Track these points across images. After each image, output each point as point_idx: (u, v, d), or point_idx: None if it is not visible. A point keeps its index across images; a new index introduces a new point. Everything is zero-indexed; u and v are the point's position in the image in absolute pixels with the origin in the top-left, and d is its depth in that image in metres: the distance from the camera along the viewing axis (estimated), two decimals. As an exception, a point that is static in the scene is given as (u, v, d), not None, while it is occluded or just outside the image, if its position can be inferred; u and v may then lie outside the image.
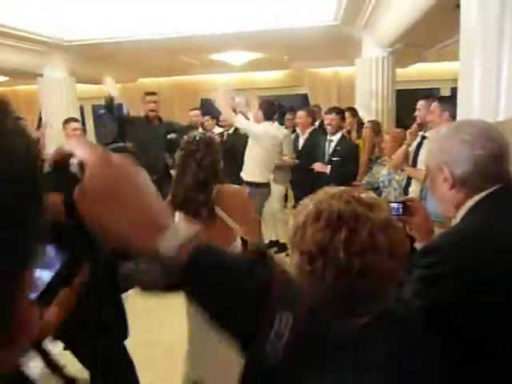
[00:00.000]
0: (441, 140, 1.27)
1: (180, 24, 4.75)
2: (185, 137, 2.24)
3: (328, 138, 4.46)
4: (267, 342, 0.61)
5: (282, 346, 0.59)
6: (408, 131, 3.57)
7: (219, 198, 2.08)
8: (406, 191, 3.67)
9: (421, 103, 3.54)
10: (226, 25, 4.81)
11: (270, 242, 5.47)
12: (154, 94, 5.00)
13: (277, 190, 5.00)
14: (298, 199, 5.27)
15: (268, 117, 4.42)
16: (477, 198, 1.20)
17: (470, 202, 1.21)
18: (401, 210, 1.38)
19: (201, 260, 0.61)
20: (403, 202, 1.39)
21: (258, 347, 0.64)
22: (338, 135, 4.39)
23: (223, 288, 0.67)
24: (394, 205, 1.38)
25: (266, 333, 0.59)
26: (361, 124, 4.92)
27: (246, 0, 4.15)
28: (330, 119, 4.38)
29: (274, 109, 4.61)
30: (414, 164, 3.52)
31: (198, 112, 5.83)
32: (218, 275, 0.66)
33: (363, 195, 0.85)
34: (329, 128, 4.41)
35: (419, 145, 3.48)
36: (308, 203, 0.85)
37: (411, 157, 3.56)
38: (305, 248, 0.80)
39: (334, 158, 4.32)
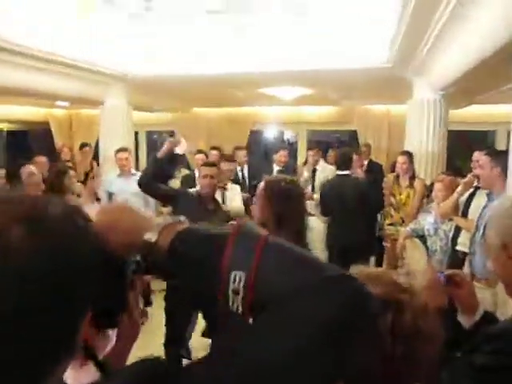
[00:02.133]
0: (504, 215, 1.21)
1: (232, 60, 4.92)
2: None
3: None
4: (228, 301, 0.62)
5: (240, 302, 0.60)
6: (462, 181, 3.48)
7: None
8: (453, 242, 3.55)
9: (476, 155, 3.46)
10: (277, 62, 4.94)
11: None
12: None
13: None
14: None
15: None
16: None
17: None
18: (445, 281, 1.33)
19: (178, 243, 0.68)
20: (448, 275, 1.34)
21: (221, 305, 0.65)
22: None
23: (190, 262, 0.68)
24: (440, 275, 1.34)
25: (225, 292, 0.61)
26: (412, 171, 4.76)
27: (298, 38, 4.25)
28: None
29: None
30: (465, 214, 3.42)
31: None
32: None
33: (399, 278, 0.86)
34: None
35: (471, 195, 3.39)
36: None
37: (461, 206, 3.47)
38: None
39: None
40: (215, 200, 3.66)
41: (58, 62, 4.58)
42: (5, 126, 8.80)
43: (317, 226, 4.76)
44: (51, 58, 4.39)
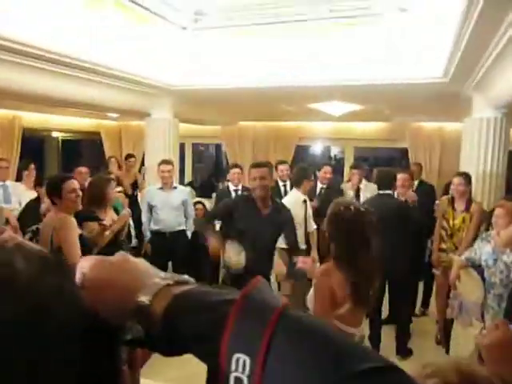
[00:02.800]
0: None
1: (280, 74, 4.81)
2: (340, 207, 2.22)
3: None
4: None
5: None
6: None
7: None
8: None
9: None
10: (327, 76, 4.78)
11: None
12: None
13: None
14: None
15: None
16: None
17: None
18: None
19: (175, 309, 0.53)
20: None
21: None
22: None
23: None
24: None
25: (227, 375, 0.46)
26: (469, 194, 4.41)
27: (351, 51, 4.08)
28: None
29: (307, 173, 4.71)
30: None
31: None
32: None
33: (477, 369, 0.71)
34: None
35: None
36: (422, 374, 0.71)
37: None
38: None
39: None
40: (271, 201, 3.38)
41: (108, 75, 4.64)
42: (60, 135, 9.14)
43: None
44: (101, 69, 4.45)
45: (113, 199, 3.96)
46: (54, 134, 9.02)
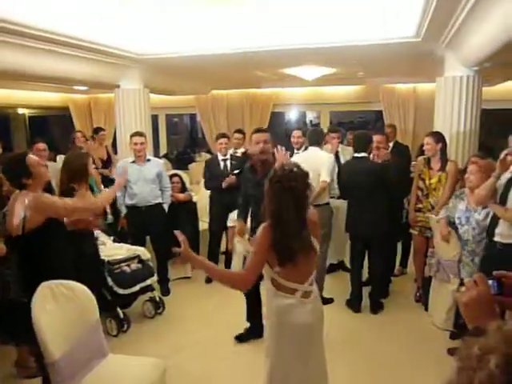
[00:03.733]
0: None
1: (252, 39, 4.68)
2: (277, 167, 2.29)
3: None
4: None
5: None
6: (498, 160, 3.13)
7: (309, 225, 2.22)
8: (490, 233, 3.26)
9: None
10: (300, 40, 4.67)
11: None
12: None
13: None
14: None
15: (313, 143, 4.61)
16: None
17: None
18: (496, 288, 1.13)
19: None
20: (497, 279, 1.14)
21: None
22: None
23: None
24: (489, 282, 1.13)
25: None
26: (444, 153, 4.41)
27: (321, 14, 3.97)
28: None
29: (320, 135, 4.77)
30: (503, 201, 3.14)
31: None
32: None
33: None
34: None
35: (510, 180, 3.09)
36: (485, 350, 0.67)
37: (499, 192, 3.17)
38: None
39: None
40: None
41: (74, 45, 4.42)
42: (27, 112, 8.81)
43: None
44: (67, 40, 4.23)
45: (92, 175, 3.80)
46: (21, 111, 8.68)
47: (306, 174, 2.20)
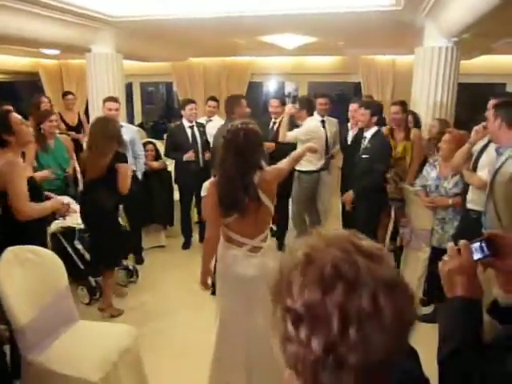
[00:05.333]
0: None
1: (231, 4, 4.52)
2: (229, 125, 2.37)
3: (364, 133, 4.13)
4: None
5: None
6: (474, 128, 3.17)
7: (261, 183, 2.27)
8: (463, 200, 3.31)
9: (491, 103, 3.15)
10: (279, 6, 4.54)
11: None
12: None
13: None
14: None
15: (310, 113, 4.78)
16: None
17: None
18: (486, 250, 1.05)
19: None
20: (487, 240, 1.06)
21: None
22: (372, 130, 4.03)
23: None
24: (476, 245, 1.06)
25: None
26: (413, 122, 4.43)
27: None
28: (359, 115, 4.13)
29: (313, 104, 4.96)
30: (475, 168, 3.17)
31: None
32: None
33: (366, 243, 0.67)
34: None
35: (484, 147, 3.12)
36: (298, 247, 0.67)
37: (473, 159, 3.20)
38: (290, 304, 0.63)
39: (363, 156, 4.00)
40: None
41: (43, 4, 4.18)
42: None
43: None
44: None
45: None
46: (-13, 75, 8.32)
47: (255, 133, 2.28)
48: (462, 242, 1.06)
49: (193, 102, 5.28)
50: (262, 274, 2.36)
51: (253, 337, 2.40)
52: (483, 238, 1.07)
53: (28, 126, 2.91)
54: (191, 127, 5.13)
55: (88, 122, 6.24)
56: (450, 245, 1.08)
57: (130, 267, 4.34)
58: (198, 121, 5.37)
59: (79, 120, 6.30)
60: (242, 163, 2.24)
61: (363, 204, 4.05)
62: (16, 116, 2.80)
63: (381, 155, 3.95)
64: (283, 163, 2.57)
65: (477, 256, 1.05)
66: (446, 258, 1.07)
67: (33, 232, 2.81)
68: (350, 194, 4.11)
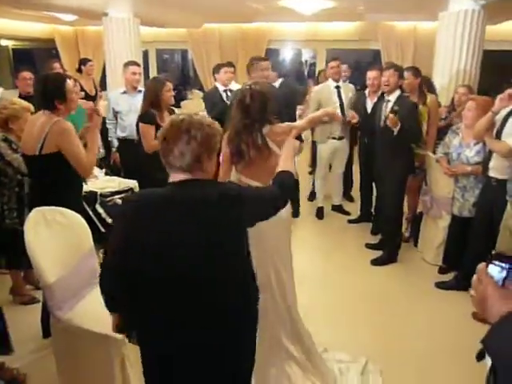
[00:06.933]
0: None
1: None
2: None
3: (385, 97, 4.03)
4: None
5: None
6: (498, 96, 3.06)
7: (270, 136, 2.44)
8: (485, 167, 3.26)
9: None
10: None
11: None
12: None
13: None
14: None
15: None
16: None
17: None
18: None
19: None
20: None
21: None
22: (396, 94, 3.91)
23: None
24: (501, 266, 0.89)
25: None
26: (424, 89, 4.33)
27: None
28: (387, 76, 3.92)
29: None
30: (498, 136, 3.11)
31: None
32: None
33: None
34: (385, 87, 3.99)
35: (508, 114, 3.04)
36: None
37: (496, 126, 3.13)
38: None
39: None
40: None
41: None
42: (10, 44, 8.39)
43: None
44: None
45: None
46: (3, 43, 8.27)
47: (261, 93, 2.43)
48: (479, 267, 0.93)
49: (230, 64, 5.05)
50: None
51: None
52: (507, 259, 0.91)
53: (78, 95, 2.93)
54: (226, 91, 4.91)
55: (101, 90, 6.20)
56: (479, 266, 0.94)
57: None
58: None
59: (94, 87, 6.28)
60: (247, 119, 2.43)
61: (394, 165, 3.91)
62: (71, 84, 2.82)
63: (410, 115, 3.75)
64: (298, 124, 2.74)
65: (502, 276, 0.90)
66: (472, 292, 0.95)
67: (71, 198, 2.84)
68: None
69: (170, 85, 3.58)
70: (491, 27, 6.42)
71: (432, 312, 3.34)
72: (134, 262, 1.45)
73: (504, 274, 0.89)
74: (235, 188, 1.62)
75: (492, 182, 3.17)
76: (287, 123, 2.57)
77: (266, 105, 2.44)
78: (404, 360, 2.81)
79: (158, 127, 3.52)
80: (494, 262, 0.91)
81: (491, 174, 3.18)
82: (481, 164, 3.37)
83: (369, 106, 4.59)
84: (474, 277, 0.94)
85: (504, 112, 3.10)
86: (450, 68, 4.77)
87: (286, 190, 1.77)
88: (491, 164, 3.18)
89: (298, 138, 4.24)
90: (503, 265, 0.89)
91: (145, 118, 3.53)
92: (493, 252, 0.94)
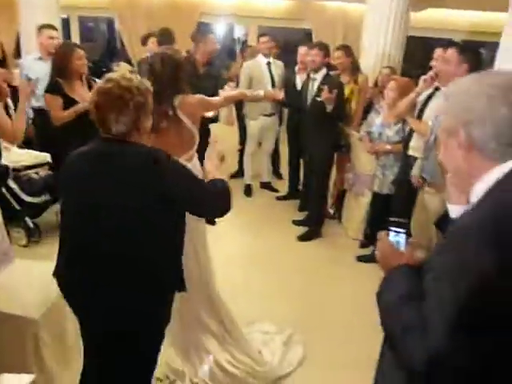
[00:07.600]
0: (457, 94, 1.00)
1: None
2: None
3: (311, 76, 4.08)
4: None
5: None
6: (421, 78, 3.19)
7: (182, 106, 2.29)
8: (405, 146, 3.41)
9: (439, 52, 3.19)
10: None
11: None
12: None
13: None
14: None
15: None
16: (506, 168, 0.95)
17: (496, 174, 0.95)
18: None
19: None
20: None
21: None
22: (322, 72, 3.98)
23: None
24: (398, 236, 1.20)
25: None
26: (356, 67, 4.46)
27: None
28: (313, 55, 3.96)
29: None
30: (419, 117, 3.25)
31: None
32: None
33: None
34: (311, 65, 4.02)
35: (430, 96, 3.19)
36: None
37: (418, 107, 3.28)
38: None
39: (318, 99, 3.88)
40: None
41: None
42: None
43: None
44: None
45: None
46: None
47: (173, 59, 2.31)
48: (379, 234, 1.23)
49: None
50: None
51: None
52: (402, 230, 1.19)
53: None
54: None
55: (19, 55, 5.69)
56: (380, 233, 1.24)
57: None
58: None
59: (3, 52, 5.73)
60: (158, 86, 2.19)
61: (321, 143, 4.01)
62: None
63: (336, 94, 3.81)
64: (215, 99, 2.63)
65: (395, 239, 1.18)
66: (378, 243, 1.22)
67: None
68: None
69: (80, 52, 3.35)
70: (419, 14, 6.71)
71: (355, 284, 3.49)
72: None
73: (398, 237, 1.17)
74: (162, 156, 1.65)
75: (411, 160, 3.31)
76: (202, 96, 2.43)
77: (179, 72, 2.31)
78: (329, 331, 2.92)
79: (66, 98, 3.31)
80: (390, 228, 1.18)
81: (411, 152, 3.32)
82: (400, 143, 3.52)
83: (298, 83, 4.62)
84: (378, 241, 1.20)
85: (424, 94, 3.25)
86: (376, 50, 4.90)
87: (221, 192, 1.77)
88: (411, 143, 3.33)
89: (214, 120, 4.18)
90: (399, 230, 1.17)
91: (49, 87, 3.30)
92: (390, 219, 1.20)
